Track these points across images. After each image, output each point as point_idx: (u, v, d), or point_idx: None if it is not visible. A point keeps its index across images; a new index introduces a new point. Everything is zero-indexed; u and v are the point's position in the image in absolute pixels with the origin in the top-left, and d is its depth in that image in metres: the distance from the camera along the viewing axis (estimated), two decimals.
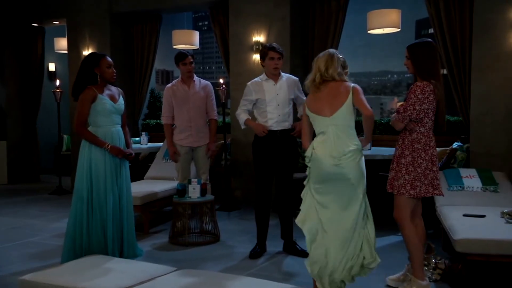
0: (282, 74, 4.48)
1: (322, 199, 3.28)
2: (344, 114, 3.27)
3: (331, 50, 3.43)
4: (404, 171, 3.42)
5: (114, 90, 4.23)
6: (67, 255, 4.00)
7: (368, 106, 3.32)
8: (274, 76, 4.42)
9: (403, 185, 3.42)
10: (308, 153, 3.34)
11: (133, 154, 4.29)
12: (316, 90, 3.35)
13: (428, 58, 3.40)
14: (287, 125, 4.42)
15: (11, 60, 9.05)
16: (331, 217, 3.25)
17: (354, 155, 3.27)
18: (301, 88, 4.53)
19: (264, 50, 4.42)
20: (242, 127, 4.53)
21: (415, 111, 3.34)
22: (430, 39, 3.50)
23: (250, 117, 4.47)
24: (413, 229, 3.47)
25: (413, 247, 3.46)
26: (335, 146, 3.24)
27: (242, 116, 4.47)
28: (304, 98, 4.53)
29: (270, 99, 4.36)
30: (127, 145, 4.27)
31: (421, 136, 3.41)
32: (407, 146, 3.44)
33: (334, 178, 3.25)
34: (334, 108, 3.27)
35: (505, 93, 5.36)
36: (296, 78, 4.56)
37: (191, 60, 5.17)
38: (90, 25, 8.04)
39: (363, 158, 3.37)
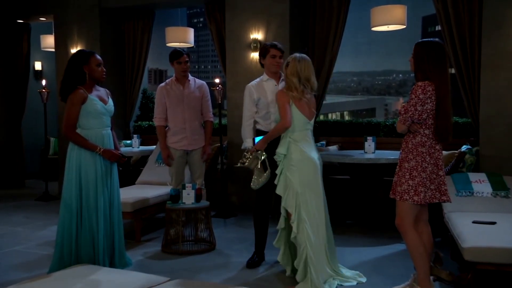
0: (283, 74, 4.48)
1: None
2: None
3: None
4: (408, 176, 3.42)
5: (102, 90, 4.23)
6: (55, 265, 3.99)
7: None
8: (275, 75, 4.43)
9: (406, 191, 3.42)
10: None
11: (126, 157, 4.29)
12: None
13: (428, 60, 3.39)
14: None
15: None
16: None
17: None
18: None
19: (265, 47, 4.43)
20: (243, 147, 4.49)
21: (416, 112, 3.35)
22: (438, 39, 3.51)
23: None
24: (416, 236, 3.47)
25: (418, 255, 3.46)
26: None
27: (248, 139, 4.43)
28: None
29: (272, 100, 4.36)
30: (116, 148, 4.26)
31: (426, 139, 3.42)
32: (411, 150, 3.44)
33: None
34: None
35: None
36: None
37: (187, 58, 5.17)
38: (79, 21, 8.04)
39: None
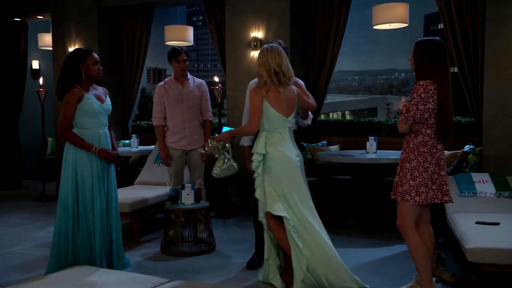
0: None
1: None
2: None
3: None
4: (409, 177, 3.42)
5: (100, 89, 4.22)
6: (52, 266, 3.98)
7: None
8: None
9: (408, 191, 3.41)
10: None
11: (122, 158, 4.28)
12: None
13: (428, 58, 3.38)
14: None
15: None
16: None
17: None
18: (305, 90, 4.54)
19: None
20: (240, 143, 4.51)
21: (418, 111, 3.35)
22: (438, 38, 3.50)
23: (251, 144, 4.41)
24: (418, 237, 3.46)
25: (419, 256, 3.45)
26: None
27: (245, 140, 4.46)
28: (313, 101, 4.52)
29: None
30: (113, 148, 4.26)
31: (428, 139, 3.41)
32: (412, 150, 3.44)
33: None
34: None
35: None
36: (300, 81, 4.56)
37: (185, 57, 5.16)
38: (77, 20, 8.03)
39: None
